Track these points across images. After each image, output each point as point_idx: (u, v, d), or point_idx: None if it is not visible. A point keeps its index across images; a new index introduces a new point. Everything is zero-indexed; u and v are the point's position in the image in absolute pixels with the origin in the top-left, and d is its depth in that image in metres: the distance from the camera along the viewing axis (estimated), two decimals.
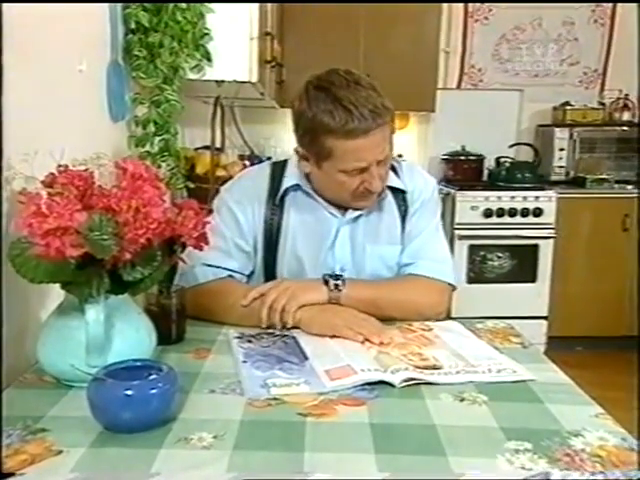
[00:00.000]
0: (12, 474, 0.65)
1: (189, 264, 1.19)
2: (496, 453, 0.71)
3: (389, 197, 1.30)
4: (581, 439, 0.75)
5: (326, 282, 1.18)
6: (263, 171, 1.33)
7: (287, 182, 1.28)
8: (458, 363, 0.98)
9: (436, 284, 1.26)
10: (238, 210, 1.28)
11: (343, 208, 1.28)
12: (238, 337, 1.11)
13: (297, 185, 1.28)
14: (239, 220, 1.28)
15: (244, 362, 0.98)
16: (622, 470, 0.68)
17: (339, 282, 1.18)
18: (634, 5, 3.40)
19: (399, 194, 1.31)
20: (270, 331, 1.14)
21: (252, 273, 1.31)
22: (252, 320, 1.15)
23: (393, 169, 1.30)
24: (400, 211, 1.31)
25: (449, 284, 1.28)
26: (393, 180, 1.29)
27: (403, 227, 1.31)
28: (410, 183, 1.32)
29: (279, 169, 1.32)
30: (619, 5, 3.59)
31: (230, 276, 1.26)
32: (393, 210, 1.30)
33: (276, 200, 1.28)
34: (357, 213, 1.28)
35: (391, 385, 0.89)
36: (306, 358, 1.00)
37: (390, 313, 1.19)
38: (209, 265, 1.23)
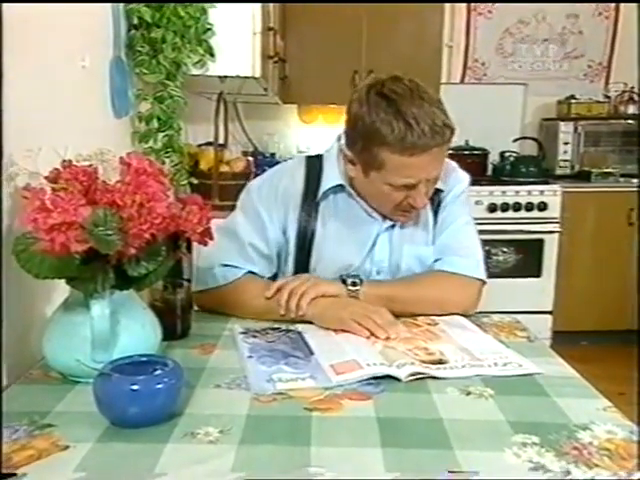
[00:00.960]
0: (14, 474, 0.64)
1: (206, 265, 1.22)
2: (503, 447, 0.71)
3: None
4: (589, 432, 0.74)
5: (343, 281, 1.18)
6: (298, 169, 1.27)
7: (329, 182, 1.23)
8: (464, 357, 0.97)
9: (462, 279, 1.22)
10: (266, 214, 1.24)
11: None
12: (243, 332, 1.11)
13: (340, 186, 1.23)
14: (265, 224, 1.24)
15: (249, 357, 0.98)
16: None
17: (357, 280, 1.17)
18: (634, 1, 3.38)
19: (437, 198, 1.27)
20: (275, 326, 1.13)
21: (275, 276, 1.29)
22: (273, 313, 1.15)
23: None
24: (433, 209, 1.27)
25: (478, 279, 1.24)
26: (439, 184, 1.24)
27: (435, 226, 1.28)
28: (447, 181, 1.27)
29: (315, 167, 1.26)
30: None
31: (250, 272, 1.24)
32: (427, 210, 1.26)
33: (314, 200, 1.23)
34: None
35: (397, 379, 0.89)
36: (311, 353, 1.00)
37: (411, 309, 1.17)
38: (228, 265, 1.22)
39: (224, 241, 1.22)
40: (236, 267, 1.23)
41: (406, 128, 1.04)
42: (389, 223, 1.25)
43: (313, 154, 1.33)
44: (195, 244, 0.98)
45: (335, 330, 1.09)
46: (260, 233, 1.24)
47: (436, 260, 1.26)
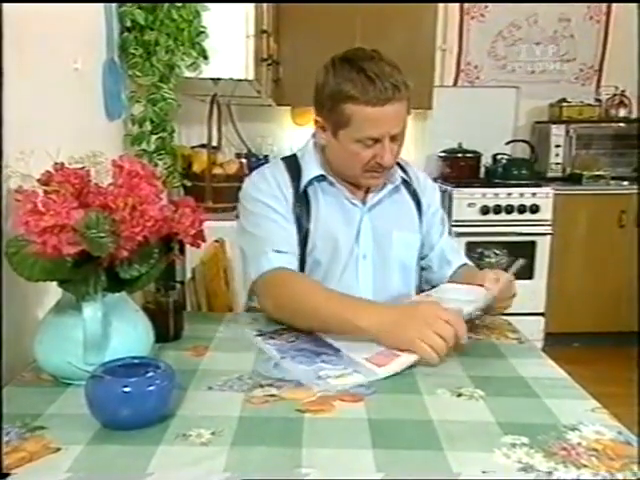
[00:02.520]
0: (7, 474, 0.65)
1: (248, 264, 1.22)
2: (493, 447, 0.71)
3: (402, 189, 1.36)
4: (577, 433, 0.75)
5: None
6: (278, 167, 1.32)
7: (310, 173, 1.29)
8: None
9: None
10: (273, 202, 1.25)
11: (361, 195, 1.31)
12: (259, 334, 1.11)
13: (321, 176, 1.29)
14: (277, 210, 1.25)
15: (283, 357, 0.98)
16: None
17: None
18: (629, 1, 3.41)
19: (410, 187, 1.38)
20: (284, 327, 1.14)
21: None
22: (334, 329, 1.06)
23: (397, 164, 1.34)
24: (414, 202, 1.38)
25: None
26: (401, 173, 1.36)
27: (420, 218, 1.38)
28: (408, 171, 1.40)
29: (292, 164, 1.32)
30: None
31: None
32: (408, 200, 1.37)
33: (299, 192, 1.28)
34: (376, 199, 1.31)
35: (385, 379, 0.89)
36: (337, 349, 1.01)
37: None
38: (274, 251, 1.20)
39: (251, 240, 1.24)
40: (288, 253, 1.21)
41: (369, 82, 1.14)
42: (369, 205, 1.31)
43: (286, 155, 1.39)
44: (188, 246, 0.98)
45: None
46: (282, 208, 1.26)
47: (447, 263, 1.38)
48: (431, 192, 1.43)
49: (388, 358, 0.94)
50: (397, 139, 1.21)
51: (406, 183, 1.37)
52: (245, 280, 1.25)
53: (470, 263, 1.43)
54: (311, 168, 1.29)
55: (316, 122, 1.27)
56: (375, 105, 1.14)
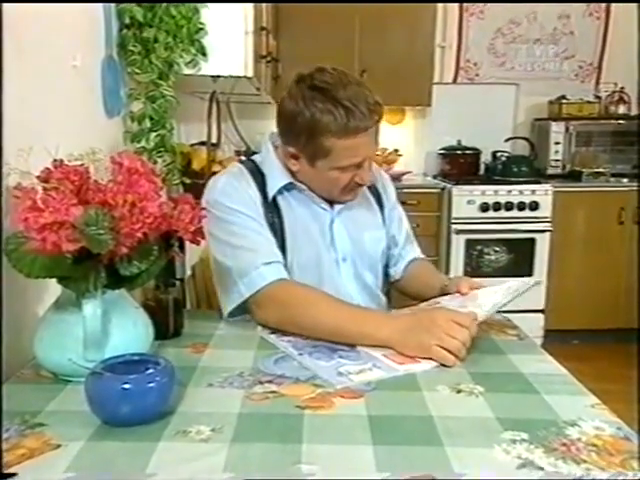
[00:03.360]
0: (14, 474, 0.64)
1: (234, 278, 1.15)
2: (493, 443, 0.71)
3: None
4: (577, 429, 0.75)
5: None
6: (243, 174, 1.24)
7: (277, 181, 1.24)
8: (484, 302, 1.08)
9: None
10: (245, 208, 1.19)
11: (330, 201, 1.29)
12: (272, 333, 1.10)
13: (290, 184, 1.25)
14: (251, 215, 1.19)
15: (300, 354, 0.99)
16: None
17: None
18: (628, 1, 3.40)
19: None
20: None
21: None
22: (348, 340, 1.04)
23: None
24: (374, 197, 1.40)
25: None
26: None
27: (382, 213, 1.40)
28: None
29: (254, 169, 1.26)
30: None
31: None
32: (369, 196, 1.38)
33: (268, 200, 1.23)
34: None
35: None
36: (353, 345, 1.01)
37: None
38: (263, 264, 1.14)
39: (235, 253, 1.16)
40: (277, 262, 1.17)
41: (347, 113, 1.11)
42: (338, 209, 1.30)
43: (243, 159, 1.34)
44: (188, 243, 0.98)
45: None
46: (258, 226, 1.19)
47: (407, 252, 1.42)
48: (388, 186, 1.45)
49: (407, 358, 0.96)
50: (372, 156, 1.21)
51: None
52: (226, 292, 1.18)
53: (422, 256, 1.47)
54: (277, 176, 1.24)
55: (287, 152, 1.21)
56: (356, 136, 1.12)
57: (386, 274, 1.43)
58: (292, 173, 1.25)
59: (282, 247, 1.22)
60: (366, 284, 1.34)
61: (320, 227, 1.28)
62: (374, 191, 1.40)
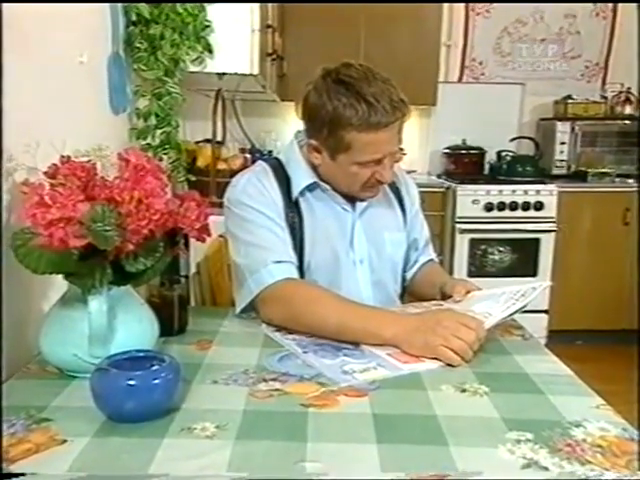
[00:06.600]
0: (22, 474, 0.64)
1: (245, 275, 1.16)
2: (497, 443, 0.71)
3: (386, 187, 1.33)
4: (582, 429, 0.75)
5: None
6: (266, 173, 1.25)
7: (301, 181, 1.24)
8: (493, 306, 1.07)
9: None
10: (264, 208, 1.19)
11: (352, 202, 1.28)
12: (277, 330, 1.10)
13: (313, 183, 1.24)
14: (269, 215, 1.19)
15: (305, 352, 0.99)
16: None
17: None
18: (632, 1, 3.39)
19: (392, 185, 1.36)
20: None
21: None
22: (353, 339, 1.04)
23: None
24: (397, 199, 1.38)
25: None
26: None
27: (404, 216, 1.38)
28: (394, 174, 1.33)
29: (279, 169, 1.26)
30: None
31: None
32: (392, 199, 1.37)
33: (292, 200, 1.23)
34: (364, 205, 1.29)
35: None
36: (357, 344, 1.01)
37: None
38: (274, 262, 1.14)
39: (248, 250, 1.17)
40: (289, 262, 1.17)
41: (369, 108, 1.10)
42: (359, 211, 1.29)
43: (268, 158, 1.34)
44: (192, 240, 0.98)
45: None
46: (275, 225, 1.20)
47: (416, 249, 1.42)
48: (413, 188, 1.44)
49: (412, 357, 0.96)
50: (395, 154, 1.20)
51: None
52: (238, 289, 1.20)
53: (436, 259, 1.47)
54: (301, 176, 1.24)
55: (309, 145, 1.21)
56: (377, 130, 1.12)
57: (402, 278, 1.41)
58: (316, 172, 1.25)
59: (300, 247, 1.23)
60: (383, 287, 1.32)
61: (341, 228, 1.27)
62: (396, 193, 1.38)
